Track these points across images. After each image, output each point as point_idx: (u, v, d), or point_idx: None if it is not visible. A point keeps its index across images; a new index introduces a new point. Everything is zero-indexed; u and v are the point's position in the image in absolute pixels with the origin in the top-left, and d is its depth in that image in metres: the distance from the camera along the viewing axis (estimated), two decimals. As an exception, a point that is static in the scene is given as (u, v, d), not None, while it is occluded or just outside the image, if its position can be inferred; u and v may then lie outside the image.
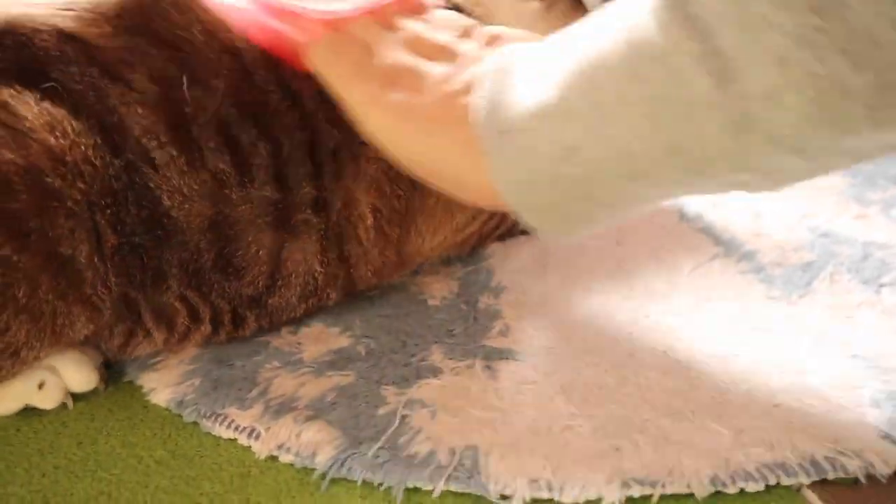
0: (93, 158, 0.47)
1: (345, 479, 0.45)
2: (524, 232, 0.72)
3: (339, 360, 0.54)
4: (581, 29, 0.41)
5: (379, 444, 0.46)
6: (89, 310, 0.48)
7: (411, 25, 0.51)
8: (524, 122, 0.40)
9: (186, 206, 0.50)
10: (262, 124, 0.52)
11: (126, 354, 0.54)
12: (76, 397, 0.52)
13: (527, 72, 0.42)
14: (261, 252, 0.53)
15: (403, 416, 0.48)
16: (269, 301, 0.55)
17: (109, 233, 0.48)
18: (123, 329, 0.52)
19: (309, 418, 0.48)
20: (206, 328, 0.54)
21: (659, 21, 0.35)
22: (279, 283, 0.55)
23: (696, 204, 0.80)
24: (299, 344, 0.56)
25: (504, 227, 0.70)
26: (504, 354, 0.54)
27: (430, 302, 0.61)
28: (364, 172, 0.57)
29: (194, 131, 0.50)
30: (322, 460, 0.45)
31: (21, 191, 0.45)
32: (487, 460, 0.44)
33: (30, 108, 0.46)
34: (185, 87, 0.49)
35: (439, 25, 0.51)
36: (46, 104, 0.46)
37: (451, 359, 0.54)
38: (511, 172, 0.42)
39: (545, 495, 0.42)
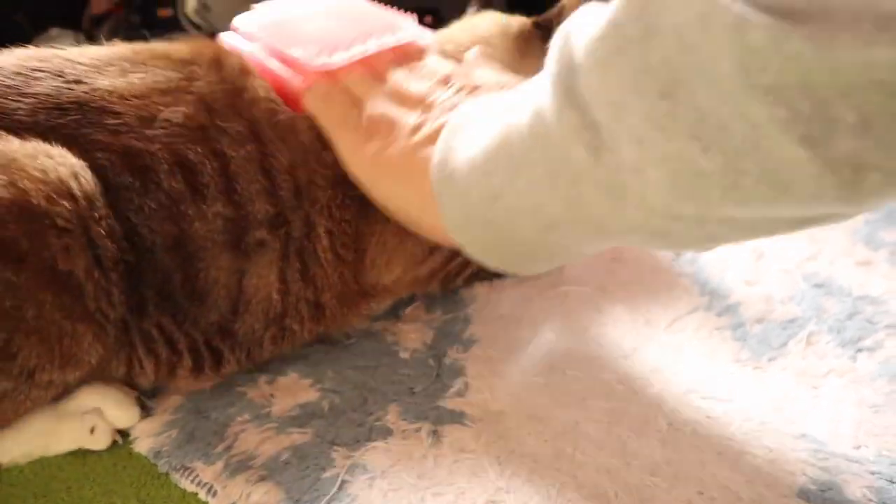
0: (79, 177, 0.52)
1: (282, 543, 0.49)
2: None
3: (302, 416, 0.58)
4: (512, 94, 0.47)
5: (315, 510, 0.49)
6: (94, 327, 0.53)
7: (396, 76, 0.58)
8: (461, 171, 0.47)
9: (149, 224, 0.55)
10: (209, 143, 0.57)
11: (132, 383, 0.60)
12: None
13: (470, 128, 0.48)
14: (220, 274, 0.57)
15: (343, 483, 0.51)
16: (237, 328, 0.60)
17: (108, 244, 0.53)
18: (124, 357, 0.57)
19: (261, 478, 0.52)
20: (188, 361, 0.59)
21: (551, 90, 0.40)
22: (241, 308, 0.59)
23: (696, 243, 0.78)
24: (272, 396, 0.60)
25: (475, 267, 0.71)
26: (455, 418, 0.56)
27: (402, 355, 0.64)
28: (316, 197, 0.61)
29: (147, 160, 0.55)
30: (264, 523, 0.49)
31: (9, 220, 0.49)
32: (409, 534, 0.47)
33: (13, 143, 0.51)
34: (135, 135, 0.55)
35: (423, 74, 0.58)
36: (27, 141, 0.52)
37: (404, 419, 0.57)
38: (453, 212, 0.48)
39: (454, 574, 0.45)
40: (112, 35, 2.28)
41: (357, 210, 0.61)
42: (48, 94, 0.54)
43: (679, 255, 0.76)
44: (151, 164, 0.55)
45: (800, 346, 0.61)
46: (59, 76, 0.55)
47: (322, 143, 0.60)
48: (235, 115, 0.58)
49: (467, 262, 0.70)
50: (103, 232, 0.52)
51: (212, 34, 1.96)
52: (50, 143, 0.52)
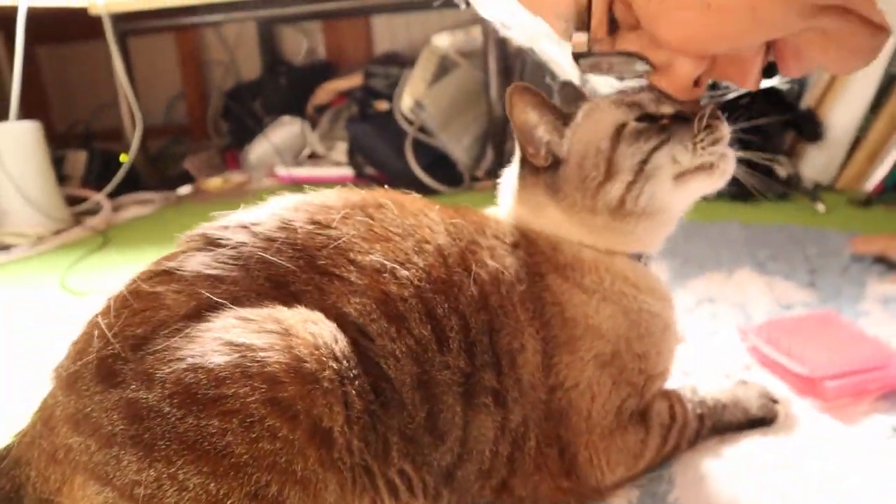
0: (337, 340, 0.58)
1: None
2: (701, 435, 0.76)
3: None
4: None
5: None
6: (337, 474, 0.58)
7: None
8: None
9: (398, 365, 0.61)
10: (451, 299, 0.63)
11: None
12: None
13: None
14: (456, 417, 0.64)
15: None
16: (458, 473, 0.65)
17: (356, 400, 0.59)
18: (368, 500, 0.62)
19: None
20: (419, 502, 0.65)
21: None
22: (465, 455, 0.65)
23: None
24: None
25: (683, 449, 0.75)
26: None
27: (609, 516, 0.68)
28: (535, 403, 0.67)
29: (400, 307, 0.62)
30: None
31: (287, 382, 0.55)
32: None
33: (285, 312, 0.58)
34: (389, 276, 0.62)
35: None
36: (295, 308, 0.59)
37: (614, 587, 0.60)
38: None
39: None
40: (332, 123, 2.49)
41: (559, 410, 0.68)
42: (305, 244, 0.62)
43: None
44: (405, 312, 0.62)
45: None
46: (314, 223, 0.63)
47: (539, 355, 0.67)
48: (467, 274, 0.65)
49: (676, 447, 0.74)
50: (354, 391, 0.58)
51: (422, 129, 2.10)
52: (309, 289, 0.60)
